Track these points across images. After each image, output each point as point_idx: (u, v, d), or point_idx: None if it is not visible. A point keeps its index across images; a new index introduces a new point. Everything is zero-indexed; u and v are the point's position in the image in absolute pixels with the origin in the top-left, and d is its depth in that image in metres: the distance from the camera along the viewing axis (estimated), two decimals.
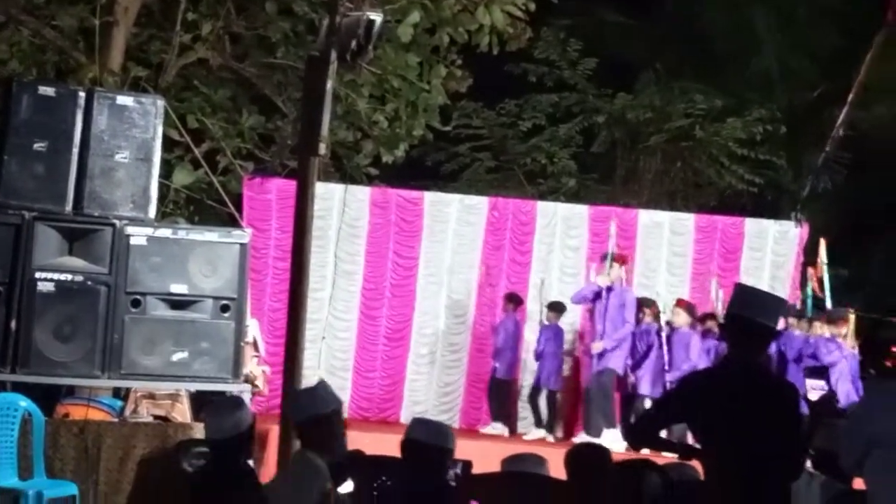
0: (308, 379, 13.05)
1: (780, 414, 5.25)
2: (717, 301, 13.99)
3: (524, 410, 14.36)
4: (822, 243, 14.39)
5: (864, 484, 4.66)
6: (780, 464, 5.22)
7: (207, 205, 15.64)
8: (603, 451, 6.02)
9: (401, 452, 6.09)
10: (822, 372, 5.59)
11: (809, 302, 14.12)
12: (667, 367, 13.10)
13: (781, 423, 5.22)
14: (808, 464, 5.76)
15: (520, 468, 6.02)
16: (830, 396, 5.55)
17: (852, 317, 13.61)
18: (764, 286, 14.22)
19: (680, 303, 13.67)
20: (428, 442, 6.00)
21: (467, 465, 6.59)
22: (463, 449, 7.00)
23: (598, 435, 12.39)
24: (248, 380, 10.88)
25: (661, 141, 20.35)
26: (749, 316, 5.41)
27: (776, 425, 5.20)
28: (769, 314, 5.48)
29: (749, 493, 5.14)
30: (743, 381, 5.31)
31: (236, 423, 5.96)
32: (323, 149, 8.03)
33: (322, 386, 6.13)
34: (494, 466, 6.36)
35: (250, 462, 6.94)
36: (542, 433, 13.63)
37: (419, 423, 6.34)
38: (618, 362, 13.03)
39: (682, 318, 13.41)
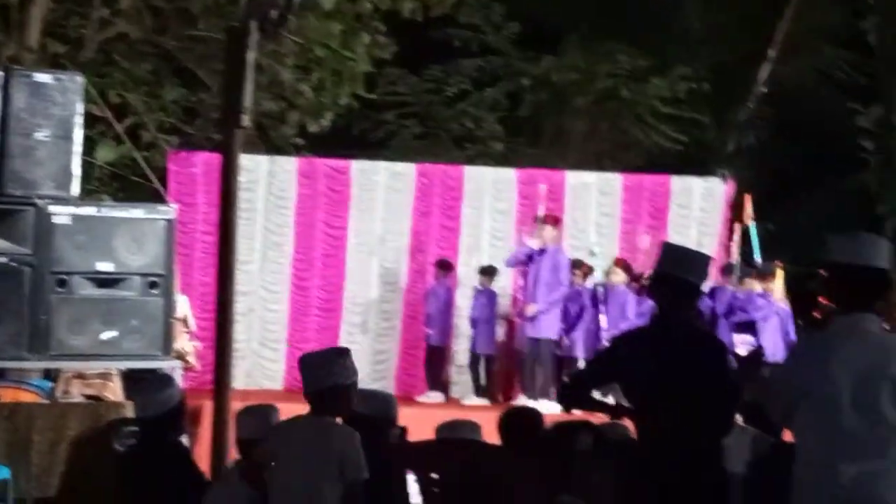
0: (240, 353, 13.08)
1: (710, 370, 5.29)
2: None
3: (459, 376, 14.39)
4: (748, 199, 14.51)
5: (792, 436, 4.71)
6: (711, 420, 5.28)
7: (133, 181, 15.51)
8: (535, 414, 6.04)
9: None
10: (749, 327, 5.62)
11: (738, 257, 14.26)
12: (604, 327, 13.15)
13: (711, 379, 5.26)
14: (739, 418, 5.81)
15: (454, 435, 6.02)
16: (758, 351, 5.59)
17: (781, 271, 13.76)
18: (692, 243, 14.32)
19: (618, 262, 13.72)
20: (372, 414, 6.01)
21: (403, 431, 6.58)
22: (400, 417, 7.01)
23: (536, 399, 12.43)
24: (180, 356, 10.83)
25: (586, 102, 20.43)
26: (676, 274, 5.44)
27: (705, 382, 5.24)
28: (696, 272, 5.52)
29: (680, 450, 5.18)
30: (672, 339, 5.35)
31: (165, 401, 5.91)
32: (246, 121, 7.93)
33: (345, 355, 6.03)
34: (432, 434, 6.37)
35: (183, 439, 6.91)
36: (480, 399, 13.65)
37: (362, 395, 6.35)
38: (552, 327, 13.05)
39: (619, 277, 13.46)
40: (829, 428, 4.42)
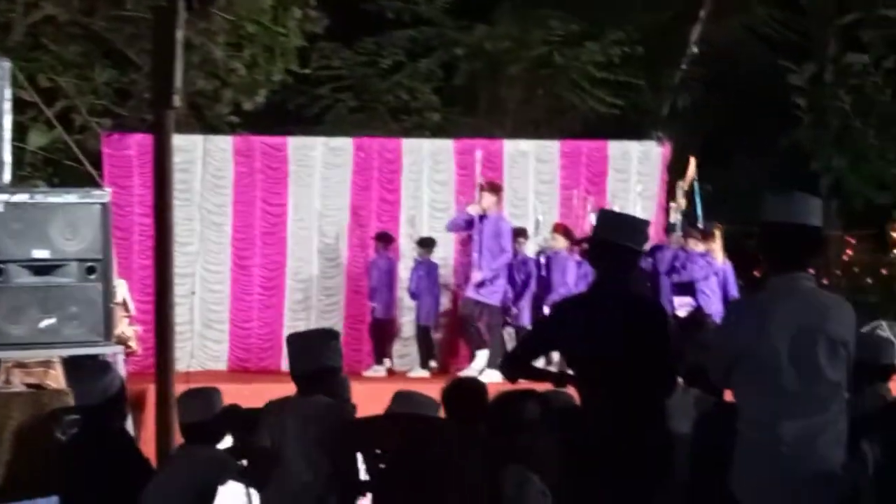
0: (183, 335, 13.00)
1: (650, 334, 5.31)
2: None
3: (405, 348, 14.40)
4: (692, 161, 14.56)
5: (733, 396, 4.75)
6: (652, 383, 5.31)
7: (67, 165, 15.35)
8: (478, 384, 6.03)
9: None
10: (688, 288, 5.64)
11: (679, 218, 14.30)
12: (546, 292, 13.18)
13: (651, 342, 5.29)
14: (680, 381, 5.86)
15: (408, 408, 5.97)
16: (698, 312, 5.63)
17: (719, 232, 13.83)
18: (631, 207, 14.43)
19: (557, 227, 13.72)
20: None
21: (352, 408, 6.57)
22: None
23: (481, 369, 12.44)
24: (121, 341, 10.75)
25: (521, 70, 20.40)
26: (614, 240, 5.45)
27: (646, 345, 5.26)
28: (634, 237, 5.52)
29: (623, 413, 5.22)
30: (611, 304, 5.36)
31: (104, 388, 5.86)
32: (177, 101, 7.87)
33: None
34: (380, 408, 6.35)
35: (127, 424, 6.87)
36: (426, 371, 13.66)
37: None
38: (497, 296, 13.04)
39: (560, 243, 13.46)
40: (769, 387, 4.47)
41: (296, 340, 5.95)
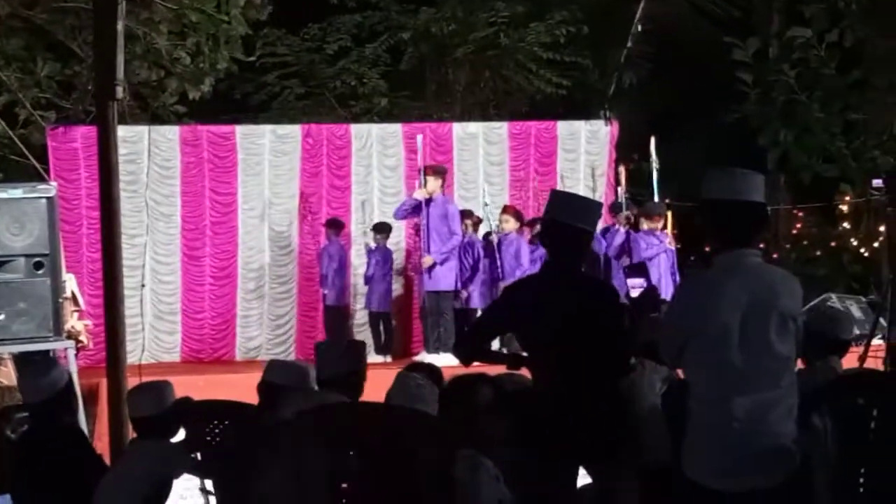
0: (134, 328, 12.91)
1: (602, 315, 5.33)
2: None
3: (359, 334, 14.37)
4: (653, 141, 14.61)
5: (684, 374, 4.77)
6: (606, 363, 5.33)
7: (12, 160, 15.21)
8: (433, 370, 6.05)
9: (258, 395, 6.08)
10: (641, 269, 5.65)
11: (625, 198, 14.37)
12: (500, 275, 13.19)
13: (603, 323, 5.31)
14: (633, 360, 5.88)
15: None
16: (651, 291, 5.63)
17: (668, 210, 13.91)
18: (580, 187, 14.50)
19: (507, 209, 13.74)
20: (285, 384, 5.98)
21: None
22: None
23: (438, 353, 12.43)
24: (71, 335, 10.66)
25: (467, 52, 20.39)
26: (565, 221, 5.45)
27: (598, 326, 5.28)
28: (585, 217, 5.52)
29: (577, 395, 5.23)
30: (563, 285, 5.37)
31: (51, 384, 5.79)
32: (120, 92, 7.80)
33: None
34: None
35: (80, 420, 6.81)
36: (380, 357, 13.65)
37: (279, 366, 6.37)
38: (449, 279, 13.03)
39: (510, 225, 13.47)
40: (721, 364, 4.49)
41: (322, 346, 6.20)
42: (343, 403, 5.44)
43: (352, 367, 6.00)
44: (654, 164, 14.53)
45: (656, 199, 14.26)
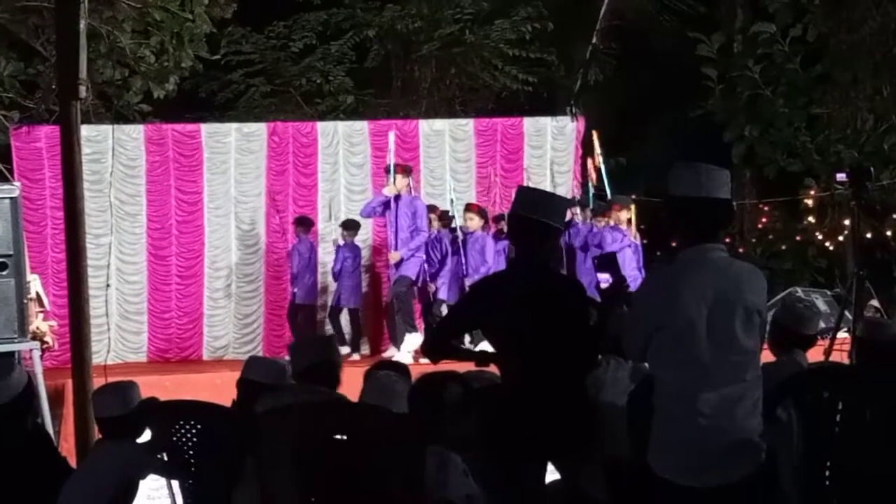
0: (99, 328, 12.84)
1: (569, 310, 5.34)
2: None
3: (328, 332, 14.35)
4: (595, 135, 14.64)
5: (650, 369, 4.78)
6: (573, 358, 5.33)
7: None
8: (402, 368, 6.05)
9: (237, 391, 6.06)
10: (610, 260, 5.63)
11: (591, 193, 14.41)
12: (465, 273, 13.20)
13: (571, 318, 5.32)
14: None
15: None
16: (620, 282, 5.62)
17: (633, 205, 13.92)
18: (547, 183, 14.52)
19: (471, 207, 13.76)
20: (263, 381, 5.97)
21: None
22: None
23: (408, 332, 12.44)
24: (36, 336, 10.59)
25: (433, 49, 20.39)
26: (532, 216, 5.45)
27: (566, 321, 5.29)
28: (552, 213, 5.53)
29: (545, 391, 5.24)
30: (530, 281, 5.37)
31: (9, 386, 5.73)
32: (83, 91, 7.75)
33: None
34: None
35: (45, 421, 6.77)
36: (345, 351, 13.61)
37: (256, 363, 6.35)
38: (413, 269, 13.01)
39: (475, 223, 13.49)
40: (687, 359, 4.49)
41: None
42: (310, 402, 5.43)
43: (326, 357, 6.01)
44: (601, 159, 14.52)
45: (608, 193, 14.23)
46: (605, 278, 5.65)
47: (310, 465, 4.79)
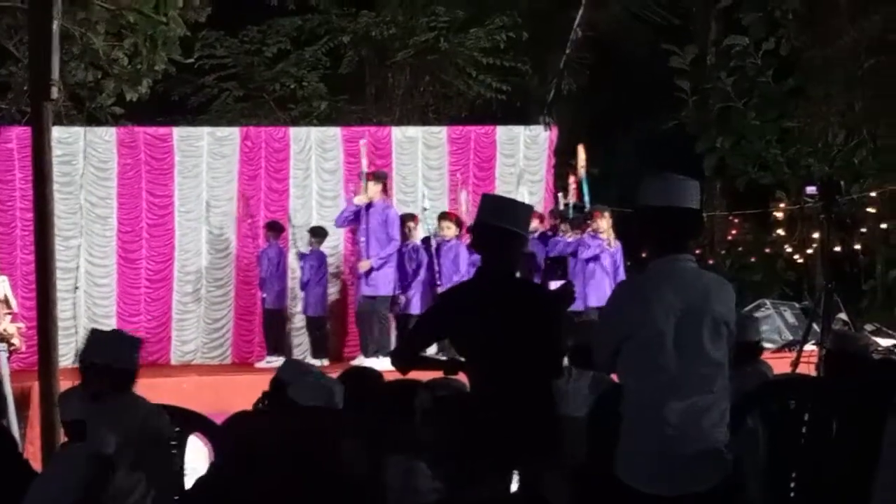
0: (67, 331, 12.78)
1: (536, 318, 5.32)
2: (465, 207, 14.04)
3: (298, 338, 14.33)
4: (581, 148, 14.62)
5: (618, 378, 4.78)
6: (541, 367, 5.33)
7: None
8: (373, 373, 6.03)
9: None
10: (561, 264, 5.62)
11: (571, 206, 14.37)
12: (439, 281, 13.17)
13: (538, 327, 5.31)
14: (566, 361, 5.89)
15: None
16: (566, 287, 5.60)
17: (608, 214, 13.90)
18: (518, 192, 14.50)
19: (448, 216, 13.70)
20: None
21: None
22: (239, 384, 6.94)
23: (377, 357, 12.38)
24: (4, 338, 10.54)
25: (407, 56, 20.40)
26: (497, 224, 5.44)
27: (533, 330, 5.28)
28: (515, 220, 5.51)
29: (512, 399, 5.23)
30: (497, 289, 5.36)
31: None
32: (55, 92, 7.71)
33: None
34: None
35: (10, 423, 6.73)
36: (318, 360, 13.57)
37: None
38: (388, 285, 12.98)
39: (451, 231, 13.42)
40: (655, 368, 4.50)
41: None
42: (263, 410, 5.37)
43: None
44: (584, 173, 14.52)
45: (588, 207, 14.20)
46: (555, 284, 5.62)
47: (271, 468, 4.78)
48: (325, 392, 5.33)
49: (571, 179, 14.56)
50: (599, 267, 13.34)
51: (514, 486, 5.42)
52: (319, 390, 5.31)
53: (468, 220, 13.45)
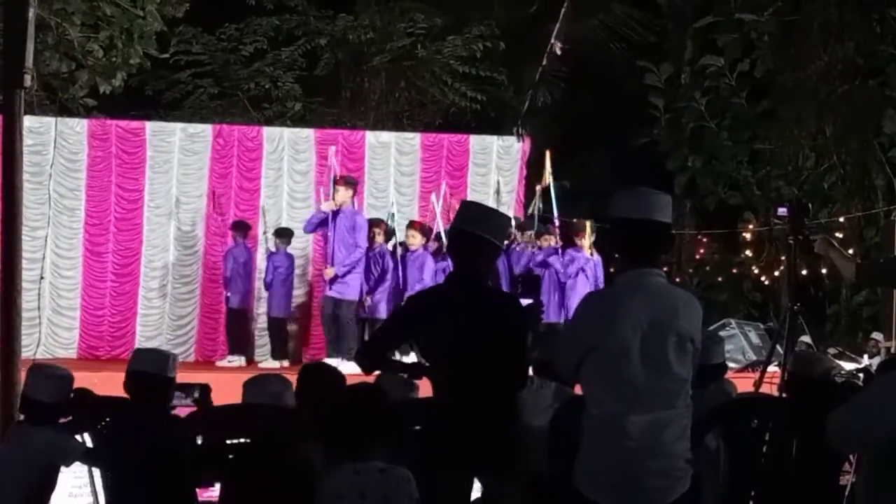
0: (31, 322, 12.70)
1: (503, 327, 5.31)
2: (437, 215, 14.04)
3: (261, 339, 14.28)
4: (548, 156, 14.65)
5: (581, 389, 4.77)
6: (507, 375, 5.32)
7: None
8: (334, 371, 6.00)
9: (125, 387, 5.94)
10: (534, 284, 5.63)
11: (537, 216, 14.40)
12: (403, 288, 13.16)
13: (504, 335, 5.30)
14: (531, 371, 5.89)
15: (258, 392, 5.83)
16: (537, 305, 5.60)
17: (588, 224, 13.88)
18: (490, 201, 14.53)
19: (414, 224, 13.71)
20: (148, 371, 5.85)
21: (205, 388, 6.45)
22: (199, 381, 6.84)
23: (341, 360, 12.34)
24: None
25: (384, 61, 20.39)
26: (473, 231, 5.42)
27: (500, 338, 5.27)
28: (493, 229, 5.49)
29: (475, 406, 5.22)
30: (466, 296, 5.35)
31: None
32: (28, 80, 7.67)
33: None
34: (234, 398, 6.25)
35: None
36: (279, 362, 13.53)
37: (140, 353, 6.25)
38: (354, 290, 12.95)
39: (416, 240, 13.42)
40: (618, 381, 4.50)
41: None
42: (234, 406, 5.36)
43: None
44: (551, 181, 14.52)
45: (556, 216, 14.20)
46: (525, 301, 5.62)
47: (233, 469, 4.77)
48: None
49: (538, 188, 14.59)
50: (584, 279, 13.42)
51: (474, 495, 5.42)
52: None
53: (443, 216, 13.51)
